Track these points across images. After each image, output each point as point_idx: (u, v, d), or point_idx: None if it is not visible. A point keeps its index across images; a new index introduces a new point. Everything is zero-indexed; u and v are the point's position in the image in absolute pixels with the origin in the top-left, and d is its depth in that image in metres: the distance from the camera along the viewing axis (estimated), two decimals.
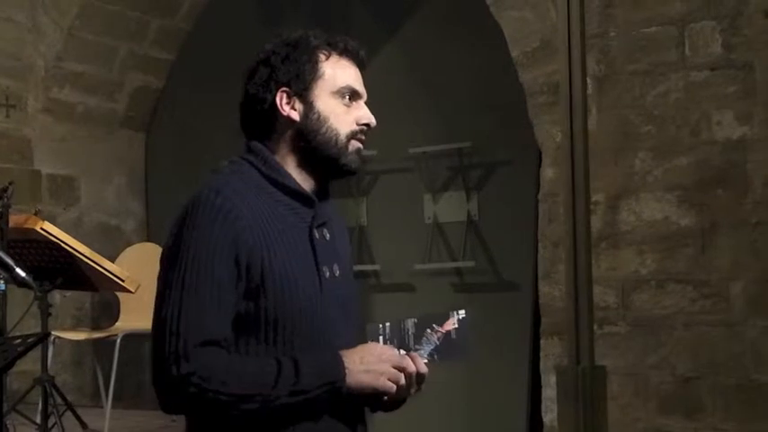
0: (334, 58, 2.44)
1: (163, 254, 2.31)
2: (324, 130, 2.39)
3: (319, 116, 2.39)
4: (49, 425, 5.48)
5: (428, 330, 2.37)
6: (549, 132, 5.83)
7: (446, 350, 2.37)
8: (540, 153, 5.99)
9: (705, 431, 5.37)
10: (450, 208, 6.87)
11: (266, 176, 2.37)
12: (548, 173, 5.89)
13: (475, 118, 6.74)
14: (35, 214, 5.56)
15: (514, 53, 5.99)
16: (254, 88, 2.43)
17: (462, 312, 2.40)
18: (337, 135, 2.39)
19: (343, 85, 2.42)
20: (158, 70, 8.18)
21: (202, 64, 7.91)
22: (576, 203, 4.67)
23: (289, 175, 2.39)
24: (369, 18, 7.19)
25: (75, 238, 5.53)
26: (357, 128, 2.42)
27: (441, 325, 2.38)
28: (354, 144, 2.42)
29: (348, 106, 2.42)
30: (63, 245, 5.36)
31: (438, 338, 2.37)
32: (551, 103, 5.69)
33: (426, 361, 2.34)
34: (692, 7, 5.45)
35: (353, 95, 2.44)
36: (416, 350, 2.35)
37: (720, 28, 5.38)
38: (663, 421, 5.49)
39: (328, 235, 2.43)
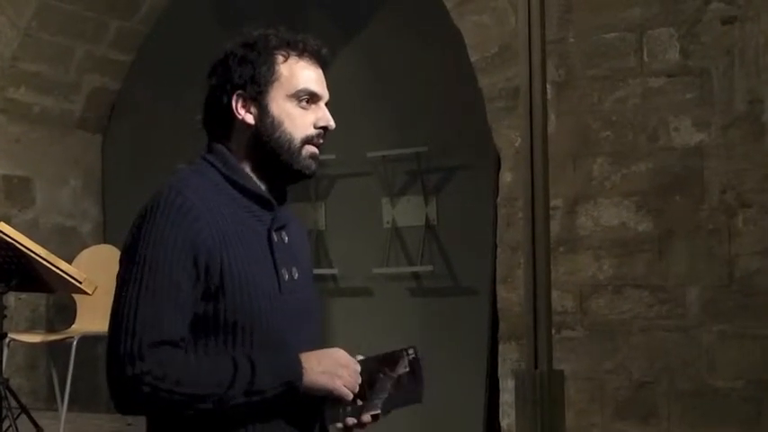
0: (293, 60, 2.40)
1: (122, 252, 2.29)
2: (278, 134, 2.36)
3: (273, 120, 2.36)
4: (4, 428, 5.43)
5: (381, 375, 2.34)
6: (508, 137, 5.84)
7: (399, 397, 2.34)
8: (499, 158, 6.00)
9: None
10: (409, 212, 6.87)
11: (226, 177, 2.35)
12: (506, 177, 5.90)
13: (434, 122, 6.75)
14: None
15: (474, 58, 5.99)
16: (211, 89, 2.41)
17: (412, 351, 2.36)
18: (291, 139, 2.36)
19: (300, 87, 2.38)
20: (116, 72, 8.13)
21: (160, 66, 7.87)
22: (535, 208, 4.69)
23: (249, 177, 2.37)
24: (328, 21, 7.18)
25: (30, 239, 5.47)
26: (314, 131, 2.38)
27: (392, 369, 2.34)
28: (309, 149, 2.38)
29: (306, 109, 2.39)
30: (19, 245, 5.30)
31: (391, 385, 2.34)
32: (510, 107, 5.71)
33: (379, 411, 2.32)
34: (651, 14, 5.49)
35: (312, 98, 2.40)
36: (371, 399, 2.32)
37: (678, 35, 5.42)
38: (618, 426, 5.51)
39: (287, 238, 2.42)
